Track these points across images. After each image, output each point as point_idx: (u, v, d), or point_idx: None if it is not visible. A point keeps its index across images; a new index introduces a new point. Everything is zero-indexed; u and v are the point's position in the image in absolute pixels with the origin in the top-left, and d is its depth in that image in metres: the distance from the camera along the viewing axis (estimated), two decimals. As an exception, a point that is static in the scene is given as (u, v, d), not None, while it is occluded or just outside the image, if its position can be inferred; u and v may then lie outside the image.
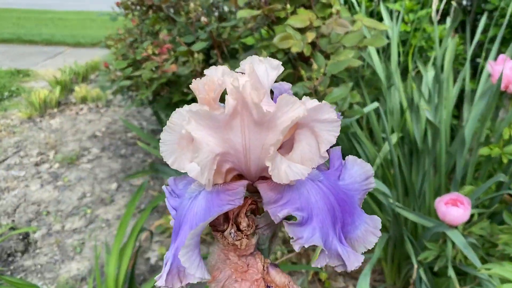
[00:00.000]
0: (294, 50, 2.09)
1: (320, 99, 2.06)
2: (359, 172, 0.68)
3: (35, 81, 7.78)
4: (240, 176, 0.66)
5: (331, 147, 0.65)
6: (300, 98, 1.83)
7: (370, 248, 0.66)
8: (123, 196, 4.06)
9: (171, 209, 0.69)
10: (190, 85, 0.61)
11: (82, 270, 3.10)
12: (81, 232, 3.53)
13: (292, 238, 0.59)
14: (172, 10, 3.38)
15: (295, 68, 2.32)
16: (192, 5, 2.92)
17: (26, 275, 3.03)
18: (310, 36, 2.05)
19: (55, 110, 6.25)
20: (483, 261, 1.98)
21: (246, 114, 0.57)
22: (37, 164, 4.66)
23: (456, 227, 1.90)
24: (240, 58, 2.79)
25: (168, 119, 0.63)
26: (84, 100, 6.58)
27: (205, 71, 0.63)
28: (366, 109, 2.17)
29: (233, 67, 2.76)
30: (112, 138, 5.34)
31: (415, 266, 2.08)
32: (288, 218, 0.64)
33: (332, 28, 2.07)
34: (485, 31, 3.10)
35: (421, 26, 3.10)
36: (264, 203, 0.61)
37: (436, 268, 2.03)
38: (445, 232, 1.92)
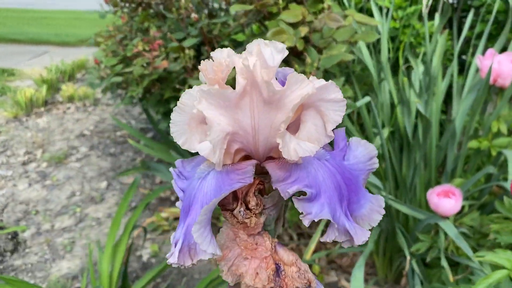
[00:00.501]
0: (288, 44, 2.10)
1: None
2: (363, 153, 0.70)
3: (21, 80, 7.68)
4: (248, 157, 0.67)
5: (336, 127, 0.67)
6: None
7: (374, 226, 0.67)
8: (113, 194, 4.03)
9: (178, 191, 0.70)
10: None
11: (73, 268, 3.07)
12: (71, 231, 3.50)
13: (302, 213, 0.60)
14: (161, 7, 3.37)
15: (287, 63, 2.34)
16: (183, 1, 2.92)
17: (17, 274, 2.99)
18: (303, 30, 2.06)
19: (42, 109, 6.18)
20: (474, 251, 2.02)
21: (256, 93, 0.58)
22: (24, 164, 4.60)
23: (448, 218, 1.93)
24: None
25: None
26: (71, 99, 6.52)
27: (212, 53, 0.64)
28: (358, 104, 2.19)
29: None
30: (101, 137, 5.30)
31: (408, 257, 2.11)
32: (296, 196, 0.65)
33: (324, 22, 2.09)
34: (471, 27, 3.15)
35: (410, 22, 3.14)
36: (273, 181, 0.62)
37: (428, 259, 2.06)
38: (437, 224, 1.96)
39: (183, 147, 0.63)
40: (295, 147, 0.59)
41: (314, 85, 0.60)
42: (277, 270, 0.66)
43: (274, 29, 2.13)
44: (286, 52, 0.71)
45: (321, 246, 2.99)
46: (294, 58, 2.23)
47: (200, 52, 3.19)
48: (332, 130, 0.68)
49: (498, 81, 2.19)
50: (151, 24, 3.43)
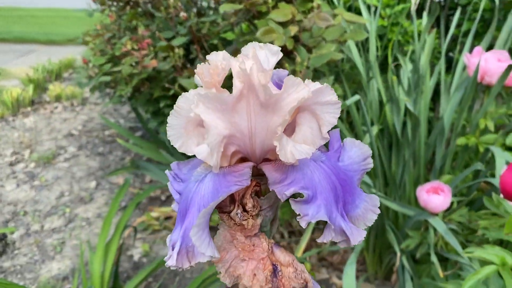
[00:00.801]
0: (277, 44, 2.11)
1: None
2: (357, 153, 0.71)
3: (7, 80, 7.57)
4: (244, 159, 0.68)
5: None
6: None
7: (369, 226, 0.68)
8: (102, 194, 4.00)
9: (175, 194, 0.70)
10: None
11: (63, 269, 3.05)
12: (61, 232, 3.47)
13: (299, 215, 0.61)
14: (150, 6, 3.35)
15: (278, 62, 2.34)
16: (171, 0, 2.91)
17: (6, 276, 2.96)
18: (293, 30, 2.07)
19: (29, 109, 6.11)
20: (463, 246, 2.05)
21: (252, 96, 0.58)
22: (11, 164, 4.55)
23: (437, 215, 1.96)
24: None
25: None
26: (58, 98, 6.45)
27: (208, 57, 0.64)
28: (347, 102, 2.21)
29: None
30: (89, 136, 5.26)
31: (398, 254, 2.14)
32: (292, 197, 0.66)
33: (314, 22, 2.10)
34: (458, 25, 3.19)
35: (398, 21, 3.17)
36: (269, 183, 0.63)
37: (418, 255, 2.09)
38: (426, 220, 1.98)
39: (180, 150, 0.64)
40: (292, 150, 0.59)
41: (310, 89, 0.60)
42: (274, 271, 0.67)
43: (263, 28, 2.13)
44: (281, 55, 0.71)
45: (312, 244, 3.01)
46: (284, 57, 2.24)
47: (189, 51, 3.18)
48: (328, 131, 0.69)
49: (485, 78, 2.23)
50: (139, 22, 3.40)
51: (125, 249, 3.25)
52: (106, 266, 2.30)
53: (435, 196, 1.89)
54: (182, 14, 2.93)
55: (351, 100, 2.27)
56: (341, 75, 2.68)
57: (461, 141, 2.28)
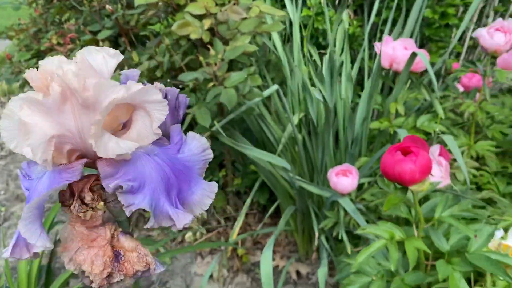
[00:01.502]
0: (193, 36, 2.16)
1: (220, 84, 2.15)
2: (197, 146, 0.78)
3: None
4: (84, 156, 0.73)
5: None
6: (201, 83, 1.90)
7: (205, 209, 0.76)
8: (40, 191, 3.93)
9: (25, 191, 0.75)
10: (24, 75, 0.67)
11: (-3, 269, 3.00)
12: (-4, 231, 3.40)
13: (123, 205, 0.67)
14: (74, -1, 3.29)
15: (194, 53, 2.39)
16: (96, -8, 2.88)
17: None
18: (207, 23, 2.12)
19: (-37, 106, 5.85)
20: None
21: (73, 98, 0.64)
22: None
23: (347, 195, 2.09)
24: (147, 45, 2.81)
25: None
26: (-5, 94, 6.21)
27: (40, 62, 0.69)
28: (265, 93, 2.29)
29: (142, 53, 2.75)
30: (28, 133, 5.11)
31: (316, 233, 2.27)
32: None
33: (227, 15, 2.16)
34: (379, 13, 3.34)
35: (323, 10, 3.28)
36: (101, 178, 0.69)
37: (334, 234, 2.22)
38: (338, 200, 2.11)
39: (15, 151, 0.68)
40: (113, 146, 0.65)
41: (132, 90, 0.66)
42: (117, 256, 0.73)
43: (179, 21, 2.17)
44: (121, 57, 0.77)
45: (246, 228, 3.11)
46: (202, 49, 2.29)
47: (118, 44, 3.16)
48: (167, 128, 0.76)
49: (393, 65, 2.36)
50: (69, 16, 3.34)
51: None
52: (33, 264, 2.30)
53: (344, 178, 2.01)
54: (108, 7, 2.91)
55: (269, 90, 2.35)
56: (262, 65, 2.75)
57: (374, 124, 2.42)
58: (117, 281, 0.73)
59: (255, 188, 2.89)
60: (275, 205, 2.83)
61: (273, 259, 3.03)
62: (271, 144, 2.74)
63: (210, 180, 0.78)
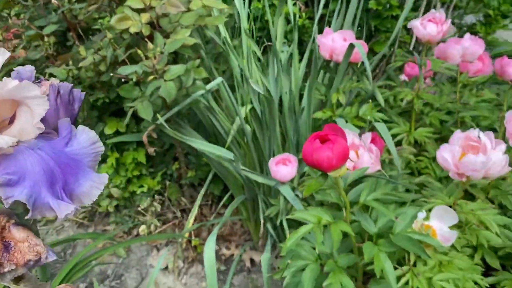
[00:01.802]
0: (133, 30, 2.17)
1: (160, 77, 2.17)
2: (86, 139, 0.81)
3: None
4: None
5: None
6: (140, 77, 1.91)
7: (94, 200, 0.79)
8: None
9: None
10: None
11: None
12: None
13: (1, 197, 0.70)
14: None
15: (133, 47, 2.40)
16: (41, -13, 2.84)
17: None
18: (144, 17, 2.14)
19: None
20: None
21: None
22: None
23: (288, 183, 2.15)
24: (93, 39, 2.80)
25: None
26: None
27: None
28: (208, 86, 2.32)
29: (89, 48, 2.72)
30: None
31: (262, 221, 2.33)
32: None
33: (165, 8, 2.18)
34: (327, 5, 3.40)
35: (273, 2, 3.33)
36: (-19, 172, 0.71)
37: (278, 221, 2.29)
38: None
39: None
40: (-12, 141, 0.68)
41: (7, 86, 0.69)
42: (7, 247, 0.76)
43: (118, 15, 2.18)
44: (7, 54, 0.79)
45: (202, 219, 3.16)
46: (143, 42, 2.30)
47: (67, 39, 3.13)
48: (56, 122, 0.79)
49: (333, 56, 2.43)
50: (18, 11, 3.28)
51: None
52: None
53: (283, 167, 2.08)
54: (53, 1, 2.88)
55: (213, 83, 2.39)
56: (220, 58, 2.79)
57: (317, 114, 2.49)
58: (8, 271, 0.77)
59: (208, 179, 2.93)
60: (227, 195, 2.89)
61: (229, 249, 3.09)
62: (222, 137, 2.78)
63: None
